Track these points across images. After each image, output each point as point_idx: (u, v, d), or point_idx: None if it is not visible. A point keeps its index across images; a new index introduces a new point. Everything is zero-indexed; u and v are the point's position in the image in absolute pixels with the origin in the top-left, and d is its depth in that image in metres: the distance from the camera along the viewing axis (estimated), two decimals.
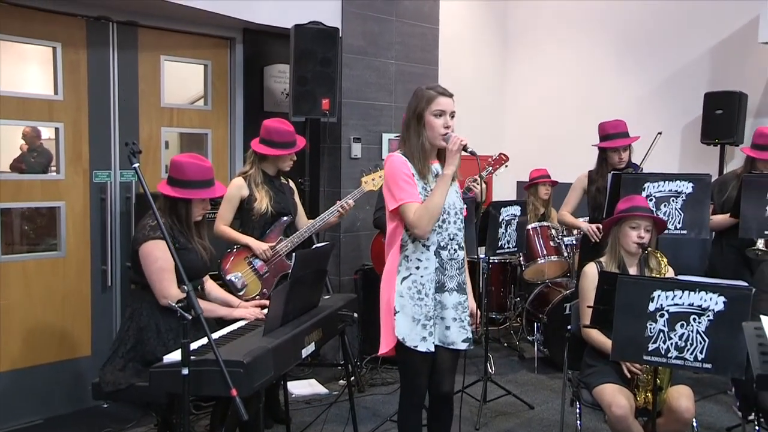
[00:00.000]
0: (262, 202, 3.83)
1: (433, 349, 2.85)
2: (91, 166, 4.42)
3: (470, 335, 2.96)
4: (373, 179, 4.18)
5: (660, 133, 5.01)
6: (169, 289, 3.02)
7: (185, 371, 2.45)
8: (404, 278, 2.86)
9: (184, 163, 3.12)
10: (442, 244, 2.86)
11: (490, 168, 4.87)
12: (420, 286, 2.84)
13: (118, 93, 4.52)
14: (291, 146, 3.92)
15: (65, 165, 4.32)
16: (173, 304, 2.51)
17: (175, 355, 2.63)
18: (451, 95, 2.88)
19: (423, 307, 2.83)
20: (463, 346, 2.92)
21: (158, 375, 2.64)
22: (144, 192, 2.65)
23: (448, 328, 2.89)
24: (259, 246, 3.84)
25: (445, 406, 3.05)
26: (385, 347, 2.92)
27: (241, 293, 3.78)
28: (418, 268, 2.85)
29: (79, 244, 4.39)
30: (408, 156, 2.87)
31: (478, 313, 3.13)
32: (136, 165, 2.64)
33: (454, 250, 2.91)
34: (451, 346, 2.90)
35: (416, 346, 2.82)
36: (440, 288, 2.87)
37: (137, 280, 3.15)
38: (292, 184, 4.13)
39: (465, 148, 2.80)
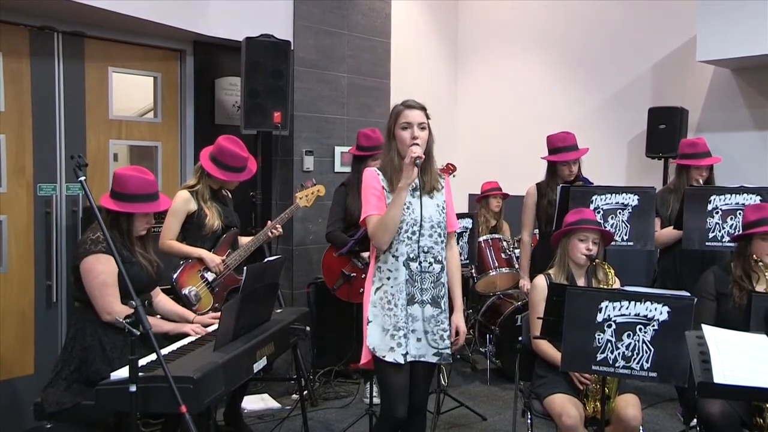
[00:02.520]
0: (214, 219, 3.79)
1: (401, 361, 2.83)
2: (35, 179, 4.30)
3: (443, 350, 2.92)
4: (306, 195, 4.18)
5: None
6: (113, 305, 2.95)
7: (133, 388, 2.42)
8: (377, 288, 2.92)
9: (126, 176, 3.06)
10: (411, 256, 2.87)
11: None
12: (390, 296, 2.87)
13: (64, 104, 4.42)
14: (241, 171, 3.86)
15: (7, 178, 4.19)
16: (120, 320, 2.47)
17: (122, 372, 2.58)
18: (420, 107, 2.94)
19: (392, 318, 2.85)
20: (434, 360, 2.91)
21: (105, 393, 2.58)
22: (90, 205, 2.60)
23: (419, 340, 2.89)
24: (213, 259, 3.79)
25: (416, 416, 3.04)
26: (363, 358, 2.94)
27: (195, 307, 3.73)
28: (388, 278, 2.89)
29: (22, 259, 4.26)
30: (382, 170, 2.94)
31: (461, 332, 3.04)
32: (82, 178, 2.60)
33: (429, 263, 2.90)
34: (422, 359, 2.90)
35: (384, 356, 2.83)
36: (410, 300, 2.87)
37: (80, 297, 3.07)
38: (230, 195, 4.08)
39: (416, 163, 2.79)
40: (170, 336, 3.25)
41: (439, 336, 2.92)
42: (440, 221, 2.96)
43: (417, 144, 2.86)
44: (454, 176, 4.93)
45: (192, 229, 3.80)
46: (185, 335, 3.23)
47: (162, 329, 3.21)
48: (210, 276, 3.81)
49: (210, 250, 3.83)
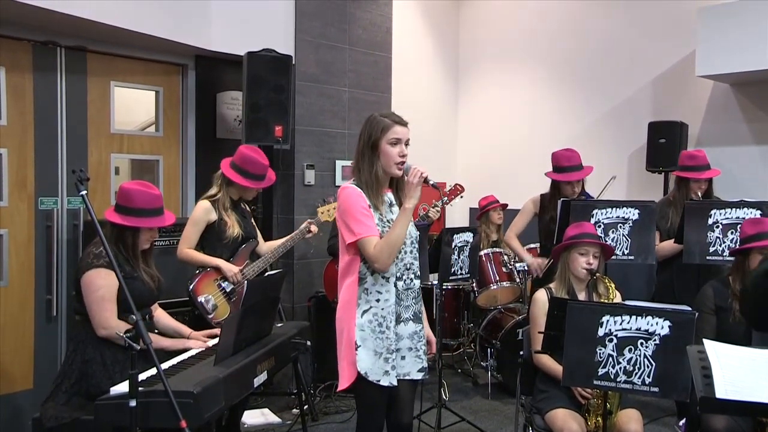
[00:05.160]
0: (234, 227, 3.82)
1: (395, 383, 2.77)
2: (36, 193, 4.31)
3: (425, 365, 2.90)
4: (328, 210, 4.20)
5: (614, 177, 5.11)
6: (110, 320, 2.95)
7: (133, 403, 2.40)
8: (364, 311, 2.78)
9: (132, 190, 3.06)
10: (398, 275, 2.82)
11: (446, 198, 4.92)
12: (381, 319, 2.77)
13: (66, 118, 4.44)
14: (261, 179, 3.90)
15: (8, 191, 4.20)
16: (120, 334, 2.46)
17: (122, 387, 2.56)
18: (406, 124, 2.85)
19: (385, 341, 2.76)
20: (419, 376, 2.87)
21: (104, 407, 2.56)
22: (92, 219, 2.60)
23: (403, 358, 2.83)
24: (230, 268, 3.80)
25: None
26: (345, 382, 2.81)
27: (210, 315, 3.74)
28: (378, 300, 2.78)
29: (22, 272, 4.25)
30: (362, 186, 2.81)
31: (434, 340, 3.06)
32: (84, 192, 2.59)
33: (410, 279, 2.87)
34: (407, 377, 2.85)
35: (379, 381, 2.74)
36: (397, 319, 2.82)
37: (81, 310, 3.06)
38: (248, 208, 4.11)
39: (426, 181, 2.77)
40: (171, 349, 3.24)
41: (422, 351, 2.90)
42: (417, 236, 2.93)
43: (404, 161, 2.80)
44: (461, 197, 4.94)
45: (211, 238, 3.83)
46: (185, 350, 3.21)
47: (159, 345, 3.18)
48: (227, 285, 3.82)
49: (229, 260, 3.84)
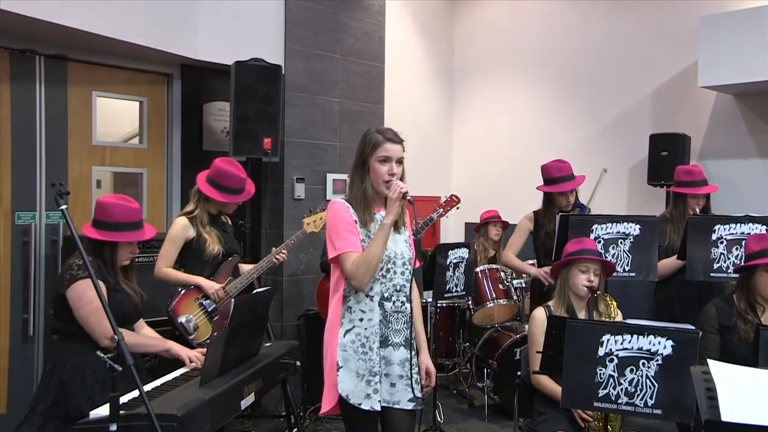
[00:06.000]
0: (214, 245, 3.69)
1: (378, 408, 2.68)
2: (13, 207, 4.19)
3: (418, 394, 2.78)
4: (314, 221, 4.10)
5: (605, 170, 5.00)
6: (111, 329, 2.84)
7: (113, 427, 2.32)
8: (347, 331, 2.72)
9: (109, 204, 3.01)
10: (386, 295, 2.74)
11: (441, 210, 4.83)
12: (364, 339, 2.70)
13: (45, 130, 4.34)
14: (239, 193, 3.78)
15: None
16: (102, 355, 2.38)
17: (103, 410, 2.49)
18: (399, 141, 2.78)
19: (367, 362, 2.69)
20: (409, 406, 2.76)
21: None
22: (71, 235, 2.51)
23: (393, 385, 2.73)
24: (211, 286, 3.68)
25: None
26: (326, 405, 2.75)
27: (192, 336, 3.62)
28: (361, 320, 2.72)
29: None
30: (352, 202, 2.77)
31: (434, 372, 2.93)
32: (64, 207, 2.52)
33: (401, 302, 2.77)
34: (396, 405, 2.74)
35: (360, 404, 2.66)
36: (384, 342, 2.73)
37: (60, 328, 2.98)
38: (230, 221, 3.99)
39: (404, 196, 2.69)
40: (155, 370, 3.14)
41: (414, 380, 2.78)
42: (411, 257, 2.84)
43: (393, 180, 2.72)
44: (458, 208, 4.87)
45: (191, 255, 3.70)
46: (180, 365, 3.15)
47: (163, 347, 3.15)
48: (209, 304, 3.70)
49: (210, 277, 3.73)
